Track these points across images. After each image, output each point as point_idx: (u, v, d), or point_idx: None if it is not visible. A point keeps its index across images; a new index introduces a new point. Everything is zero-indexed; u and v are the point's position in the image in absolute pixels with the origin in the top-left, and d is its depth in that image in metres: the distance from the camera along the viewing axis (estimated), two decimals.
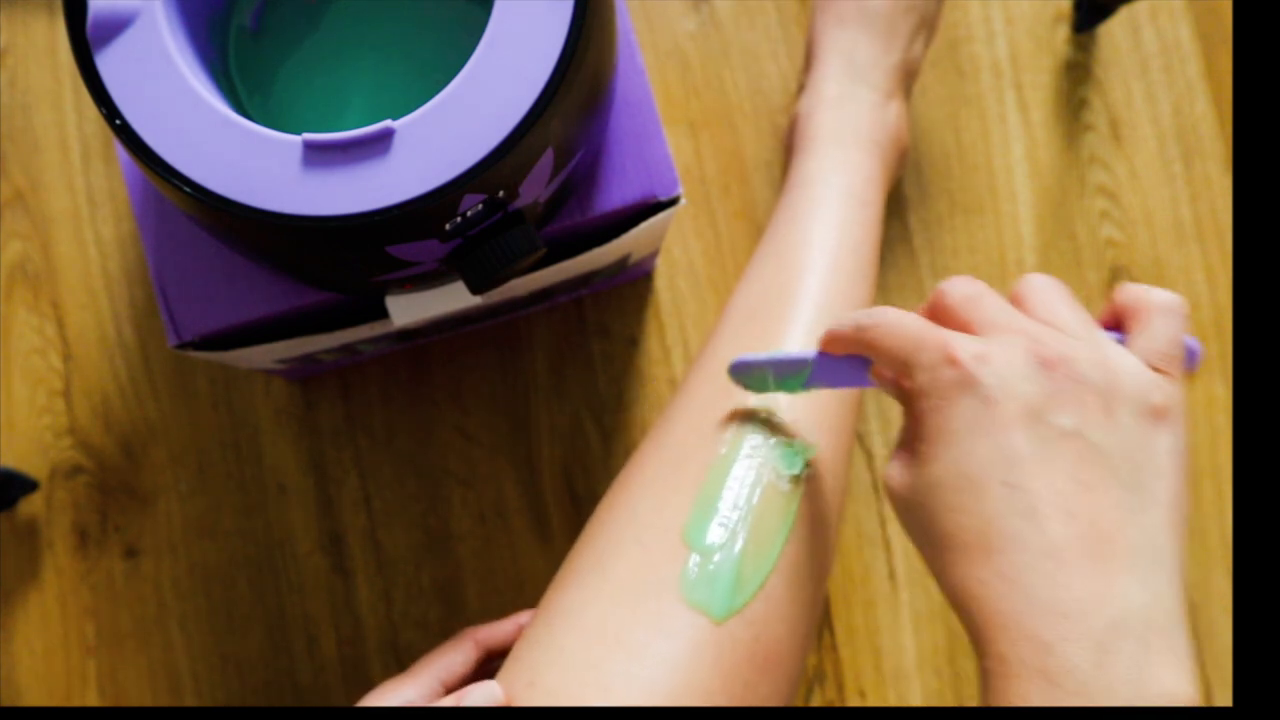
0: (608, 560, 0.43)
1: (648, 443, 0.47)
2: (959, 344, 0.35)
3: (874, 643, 0.60)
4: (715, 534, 0.42)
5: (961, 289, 0.37)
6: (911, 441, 0.37)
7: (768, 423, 0.44)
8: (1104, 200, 0.63)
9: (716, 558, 0.41)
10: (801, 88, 0.57)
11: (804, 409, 0.45)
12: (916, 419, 0.37)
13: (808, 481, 0.44)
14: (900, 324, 0.37)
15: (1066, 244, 0.62)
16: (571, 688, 0.39)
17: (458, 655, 0.47)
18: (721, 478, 0.43)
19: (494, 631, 0.49)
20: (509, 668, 0.42)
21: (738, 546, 0.41)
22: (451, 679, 0.47)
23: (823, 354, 0.41)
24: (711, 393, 0.46)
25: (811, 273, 0.49)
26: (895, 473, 0.37)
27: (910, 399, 0.37)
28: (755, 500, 0.42)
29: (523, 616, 0.50)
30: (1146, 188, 0.63)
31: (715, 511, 0.42)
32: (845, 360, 0.41)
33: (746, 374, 0.43)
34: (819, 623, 0.45)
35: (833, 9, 0.55)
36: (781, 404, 0.45)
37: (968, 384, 0.35)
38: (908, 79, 0.56)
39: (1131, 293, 0.38)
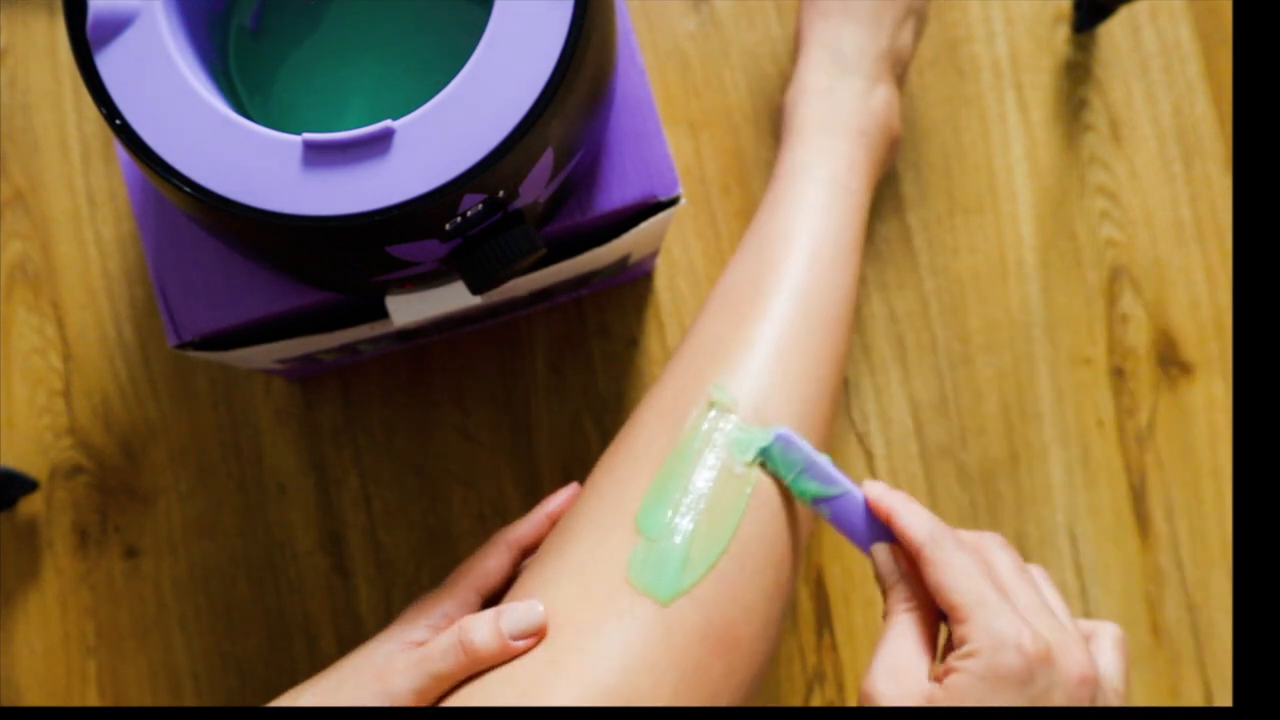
0: (567, 544, 0.44)
1: (622, 430, 0.48)
2: (1031, 638, 0.38)
3: (874, 643, 0.60)
4: (666, 517, 0.42)
5: (1009, 561, 0.42)
6: (913, 662, 0.40)
7: (727, 410, 0.44)
8: (1104, 200, 0.63)
9: (666, 541, 0.42)
10: (788, 77, 0.57)
11: (771, 398, 0.46)
12: (946, 665, 0.40)
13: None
14: (973, 575, 0.40)
15: (1066, 244, 0.62)
16: (522, 663, 0.40)
17: (491, 561, 0.47)
18: (677, 463, 0.44)
19: (524, 530, 0.49)
20: None
21: (687, 529, 0.42)
22: (487, 587, 0.47)
23: (864, 501, 0.43)
24: (683, 380, 0.47)
25: (791, 260, 0.49)
26: (889, 691, 0.39)
27: (945, 630, 0.41)
28: (709, 485, 0.43)
29: (550, 504, 0.49)
30: (1146, 188, 0.63)
31: (668, 495, 0.43)
32: (871, 522, 0.43)
33: (783, 448, 0.44)
34: (786, 610, 0.45)
35: (817, 2, 0.56)
36: (744, 392, 0.45)
37: (1024, 679, 0.38)
38: (896, 67, 0.56)
39: (1086, 624, 0.43)
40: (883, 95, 0.55)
